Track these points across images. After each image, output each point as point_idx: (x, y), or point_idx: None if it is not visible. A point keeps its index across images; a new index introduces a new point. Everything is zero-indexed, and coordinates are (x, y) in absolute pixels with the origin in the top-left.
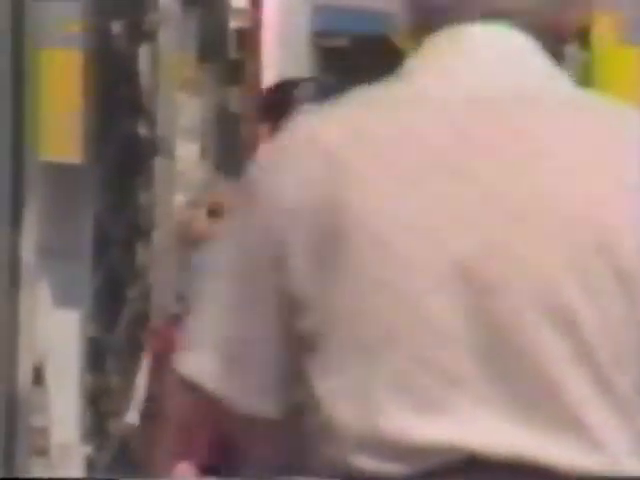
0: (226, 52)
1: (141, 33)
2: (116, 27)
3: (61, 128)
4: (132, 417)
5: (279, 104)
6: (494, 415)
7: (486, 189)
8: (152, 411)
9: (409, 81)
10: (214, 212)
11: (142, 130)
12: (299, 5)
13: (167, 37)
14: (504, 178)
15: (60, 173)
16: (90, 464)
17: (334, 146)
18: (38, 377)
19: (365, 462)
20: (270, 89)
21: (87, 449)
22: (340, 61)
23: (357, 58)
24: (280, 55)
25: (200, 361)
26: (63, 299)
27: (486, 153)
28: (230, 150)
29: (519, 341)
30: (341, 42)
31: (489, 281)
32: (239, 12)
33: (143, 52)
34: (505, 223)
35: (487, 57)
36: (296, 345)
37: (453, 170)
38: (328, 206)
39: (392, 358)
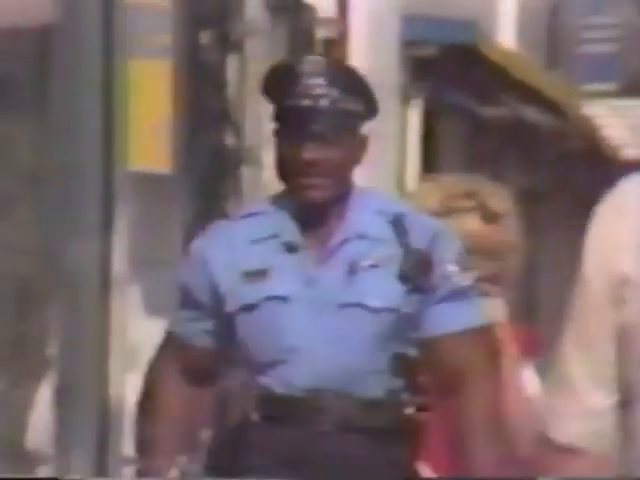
0: None
1: (229, 43)
2: (204, 38)
3: (150, 138)
4: None
5: (281, 81)
6: None
7: None
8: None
9: None
10: (489, 217)
11: (230, 139)
12: (387, 14)
13: (254, 47)
14: None
15: (149, 183)
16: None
17: None
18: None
19: None
20: (272, 66)
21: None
22: (428, 70)
23: (445, 67)
24: (368, 64)
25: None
26: (154, 308)
27: None
28: None
29: None
30: (430, 51)
31: None
32: (326, 22)
33: (231, 62)
34: None
35: None
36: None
37: None
38: None
39: None
